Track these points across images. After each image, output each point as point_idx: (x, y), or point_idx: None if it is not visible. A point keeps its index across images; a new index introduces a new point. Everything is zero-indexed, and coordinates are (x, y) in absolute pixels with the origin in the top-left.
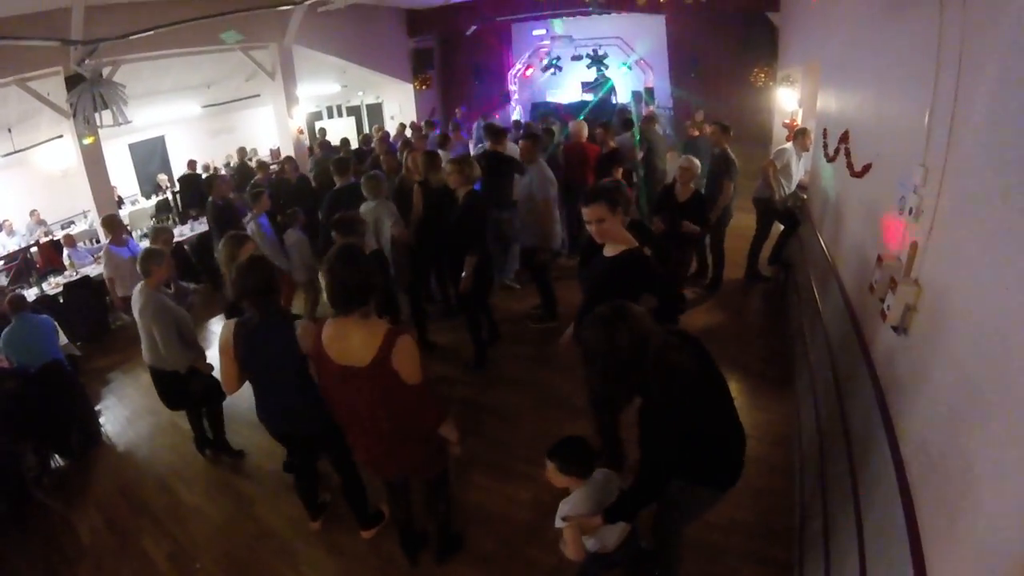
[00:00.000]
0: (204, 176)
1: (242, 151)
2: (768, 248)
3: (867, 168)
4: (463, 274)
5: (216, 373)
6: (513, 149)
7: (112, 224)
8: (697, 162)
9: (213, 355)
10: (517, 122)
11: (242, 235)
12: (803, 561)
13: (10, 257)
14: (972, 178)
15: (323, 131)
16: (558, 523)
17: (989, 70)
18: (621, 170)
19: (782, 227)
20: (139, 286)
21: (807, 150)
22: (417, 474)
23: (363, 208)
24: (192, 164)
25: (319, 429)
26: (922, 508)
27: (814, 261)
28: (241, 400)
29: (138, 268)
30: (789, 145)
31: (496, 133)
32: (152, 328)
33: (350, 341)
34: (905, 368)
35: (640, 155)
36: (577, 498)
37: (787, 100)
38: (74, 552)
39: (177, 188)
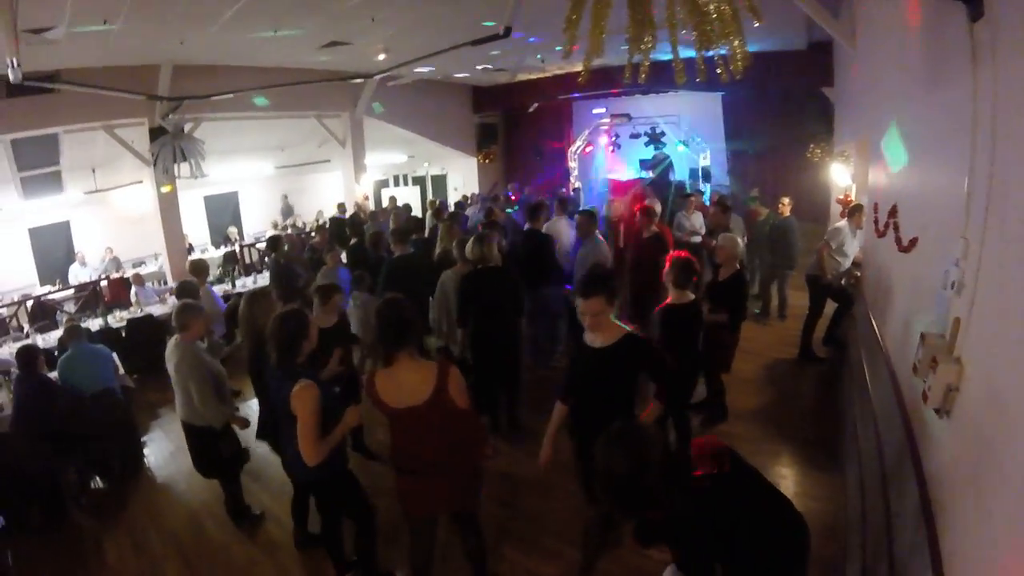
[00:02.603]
0: (348, 217)
1: (342, 206)
2: (822, 328)
3: (914, 242)
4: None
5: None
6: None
7: (198, 269)
8: (735, 240)
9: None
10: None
11: (265, 291)
12: None
13: (81, 287)
14: (1010, 249)
15: (393, 199)
16: None
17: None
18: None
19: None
20: (174, 340)
21: (861, 227)
22: (463, 508)
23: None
24: (341, 207)
25: (324, 476)
26: None
27: (865, 340)
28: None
29: (174, 322)
30: (843, 223)
31: (532, 211)
32: (188, 383)
33: (405, 382)
34: (948, 458)
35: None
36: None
37: (840, 176)
38: (98, 570)
39: (246, 242)
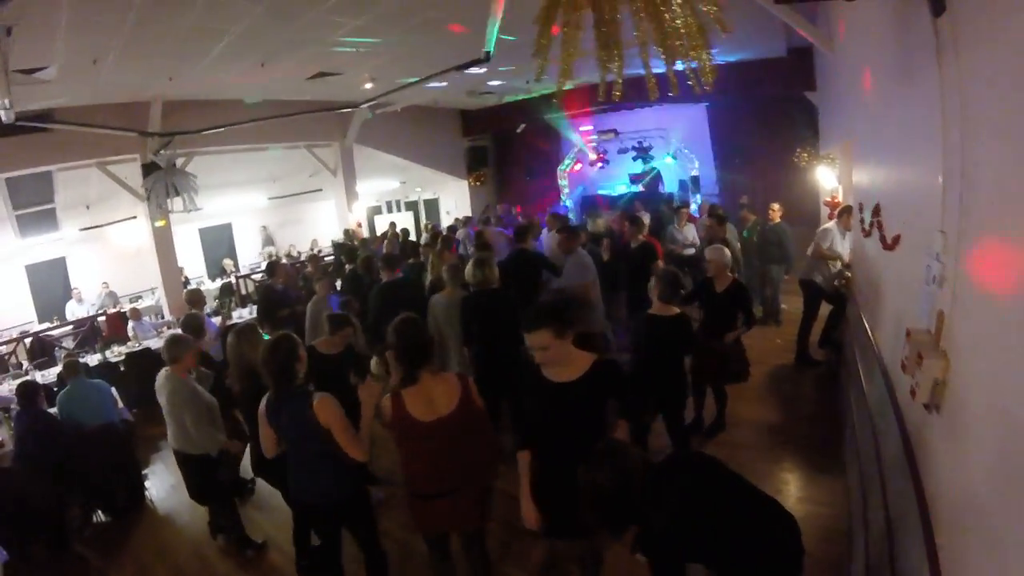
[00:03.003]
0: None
1: (347, 232)
2: (817, 331)
3: (897, 240)
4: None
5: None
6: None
7: (194, 299)
8: (724, 252)
9: None
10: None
11: (252, 326)
12: None
13: (78, 323)
14: (985, 239)
15: (392, 224)
16: None
17: (990, 126)
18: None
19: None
20: (165, 372)
21: (850, 228)
22: (476, 524)
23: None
24: (347, 233)
25: (346, 496)
26: None
27: (859, 341)
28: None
29: (164, 354)
30: (831, 224)
31: (520, 232)
32: (183, 413)
33: (433, 396)
34: (939, 450)
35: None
36: None
37: (827, 178)
38: None
39: (241, 273)
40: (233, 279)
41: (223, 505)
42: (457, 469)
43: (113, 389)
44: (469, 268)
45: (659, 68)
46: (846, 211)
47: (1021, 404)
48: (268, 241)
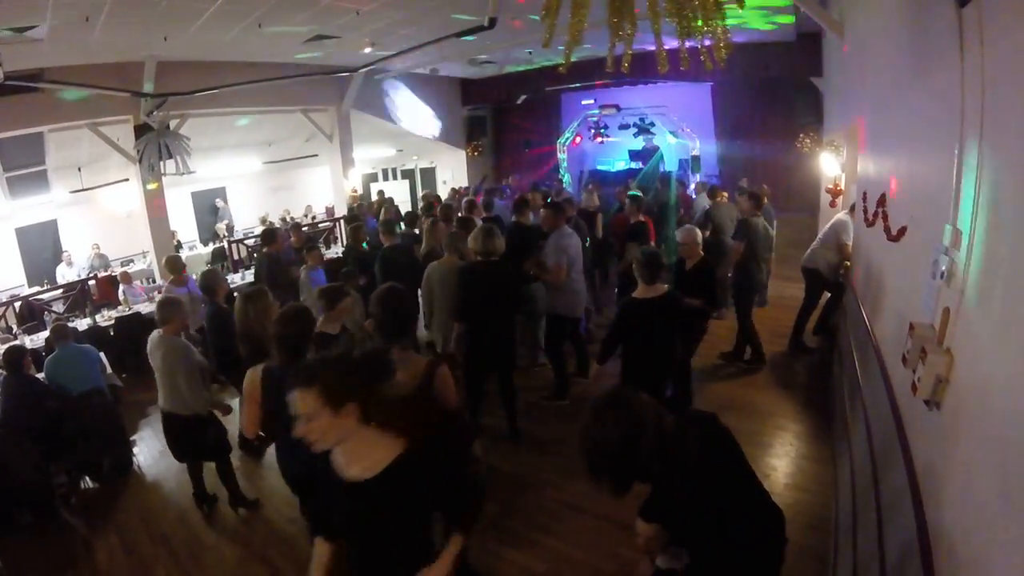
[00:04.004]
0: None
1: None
2: (814, 319)
3: (902, 231)
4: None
5: (230, 420)
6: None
7: (174, 265)
8: (695, 232)
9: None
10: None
11: (261, 290)
12: None
13: (68, 287)
14: (1003, 237)
15: (381, 193)
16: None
17: (1014, 121)
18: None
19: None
20: (157, 334)
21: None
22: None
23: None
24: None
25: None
26: None
27: (855, 331)
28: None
29: (156, 316)
30: (848, 217)
31: (519, 205)
32: (176, 371)
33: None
34: (937, 448)
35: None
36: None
37: (830, 165)
38: (88, 572)
39: (234, 237)
40: (225, 244)
41: (197, 467)
42: None
43: (102, 354)
44: (477, 235)
45: (670, 44)
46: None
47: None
48: (221, 217)
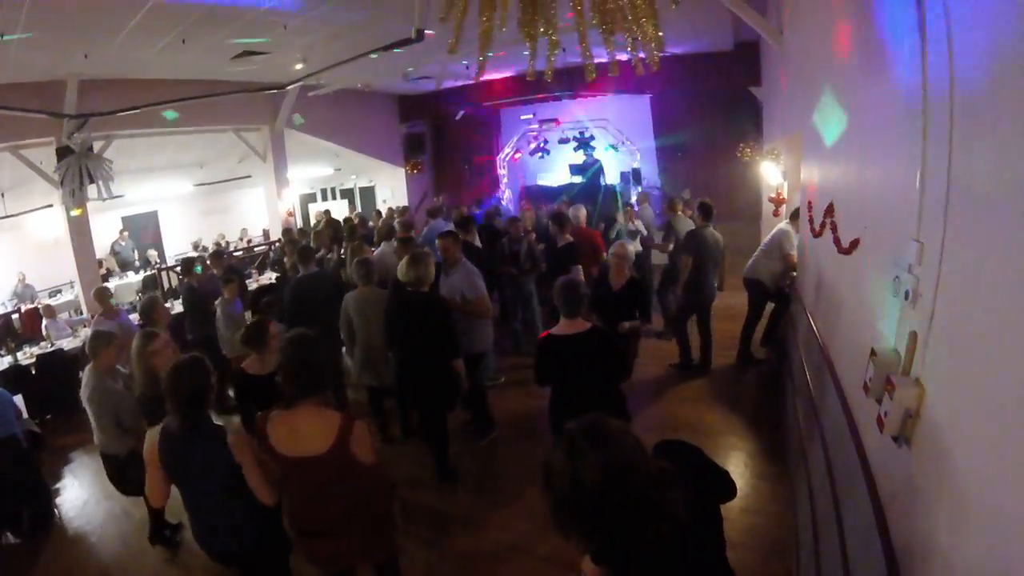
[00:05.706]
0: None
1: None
2: (761, 329)
3: (855, 244)
4: None
5: None
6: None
7: (102, 296)
8: (629, 248)
9: None
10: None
11: (153, 333)
12: None
13: None
14: (978, 254)
15: (327, 212)
16: None
17: (988, 123)
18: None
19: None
20: (88, 369)
21: (799, 231)
22: (371, 559)
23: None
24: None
25: (256, 544)
26: None
27: (807, 347)
28: None
29: (86, 349)
30: (790, 227)
31: (463, 223)
32: (103, 411)
33: (304, 431)
34: (907, 488)
35: (670, 247)
36: None
37: (771, 174)
38: None
39: (167, 265)
40: (157, 272)
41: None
42: (331, 513)
43: (19, 397)
44: (403, 265)
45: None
46: (797, 215)
47: (1007, 442)
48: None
